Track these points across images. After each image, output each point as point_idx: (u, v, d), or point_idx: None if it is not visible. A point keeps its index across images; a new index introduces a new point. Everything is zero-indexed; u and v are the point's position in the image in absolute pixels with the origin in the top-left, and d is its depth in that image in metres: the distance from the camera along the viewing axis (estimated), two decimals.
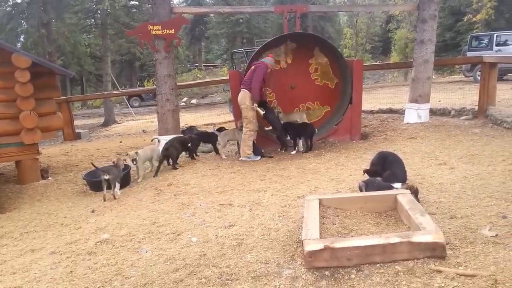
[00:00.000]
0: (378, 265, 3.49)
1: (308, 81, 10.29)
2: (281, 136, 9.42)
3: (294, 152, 9.23)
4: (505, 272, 3.22)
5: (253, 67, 8.95)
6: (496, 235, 3.90)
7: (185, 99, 33.36)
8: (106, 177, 7.25)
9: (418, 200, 4.72)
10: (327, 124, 10.25)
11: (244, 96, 8.83)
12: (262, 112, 9.02)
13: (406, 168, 5.77)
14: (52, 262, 4.62)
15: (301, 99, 10.37)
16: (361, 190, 5.25)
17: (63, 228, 5.99)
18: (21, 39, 28.27)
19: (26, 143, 8.79)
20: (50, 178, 9.28)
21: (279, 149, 9.52)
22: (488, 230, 4.00)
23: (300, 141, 9.30)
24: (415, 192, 4.83)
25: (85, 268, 4.31)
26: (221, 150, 9.45)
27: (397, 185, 5.06)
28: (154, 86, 11.07)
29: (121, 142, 13.91)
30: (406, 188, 4.87)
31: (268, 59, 9.13)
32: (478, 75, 16.86)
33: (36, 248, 5.27)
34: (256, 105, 8.87)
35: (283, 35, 9.88)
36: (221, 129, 9.86)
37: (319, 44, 10.16)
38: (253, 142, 9.04)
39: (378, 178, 5.44)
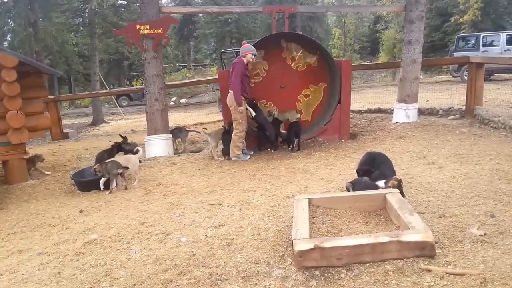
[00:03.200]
0: (368, 264, 3.51)
1: (292, 73, 10.24)
2: (271, 136, 9.41)
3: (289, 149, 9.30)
4: (494, 271, 3.25)
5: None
6: (485, 234, 3.93)
7: (174, 98, 33.27)
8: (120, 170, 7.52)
9: (402, 193, 4.73)
10: (316, 124, 10.25)
11: (231, 97, 8.83)
12: (253, 114, 9.03)
13: (394, 168, 5.80)
14: (40, 263, 4.57)
15: (296, 92, 10.33)
16: (348, 191, 5.26)
17: (51, 229, 5.92)
18: (8, 38, 28.02)
19: (13, 143, 8.69)
20: (38, 168, 9.21)
21: (268, 149, 9.52)
22: (476, 229, 4.04)
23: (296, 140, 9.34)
24: (398, 184, 4.86)
25: (73, 269, 4.27)
26: (214, 151, 9.44)
27: (380, 183, 5.07)
28: (143, 86, 11.02)
29: (110, 141, 13.78)
30: (390, 186, 4.89)
31: (243, 48, 9.02)
32: (465, 75, 16.98)
33: (24, 249, 5.20)
34: (247, 107, 8.90)
35: (256, 42, 9.83)
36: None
37: (283, 37, 10.14)
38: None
39: (365, 178, 5.45)
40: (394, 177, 5.14)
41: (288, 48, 10.09)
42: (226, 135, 9.28)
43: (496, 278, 3.15)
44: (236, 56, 18.81)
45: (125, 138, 9.64)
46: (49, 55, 30.91)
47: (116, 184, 7.70)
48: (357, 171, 5.83)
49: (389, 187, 4.87)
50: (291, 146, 9.30)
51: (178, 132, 10.73)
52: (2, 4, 25.81)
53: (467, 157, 7.02)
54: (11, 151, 8.82)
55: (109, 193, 7.52)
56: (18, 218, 6.70)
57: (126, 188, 7.65)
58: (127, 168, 7.83)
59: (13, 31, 25.94)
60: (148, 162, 9.24)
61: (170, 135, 10.34)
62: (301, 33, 10.76)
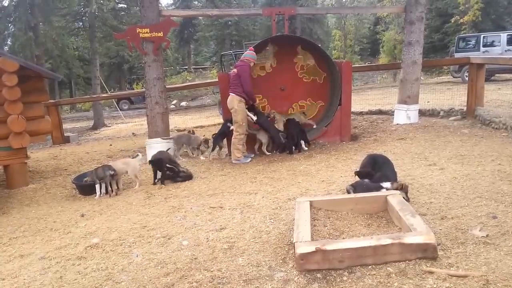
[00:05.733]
0: (370, 266, 3.49)
1: (296, 80, 10.26)
2: (275, 138, 9.39)
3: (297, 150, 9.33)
4: (497, 272, 3.23)
5: (235, 70, 8.95)
6: (487, 235, 3.91)
7: (174, 101, 33.31)
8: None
9: (408, 199, 4.73)
10: (317, 126, 10.24)
11: (232, 100, 8.84)
12: (254, 118, 9.03)
13: (396, 169, 5.78)
14: (42, 268, 4.56)
15: (293, 99, 10.33)
16: (349, 194, 5.25)
17: (53, 233, 5.92)
18: (9, 42, 28.11)
19: (14, 147, 8.72)
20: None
21: (274, 151, 9.52)
22: (479, 231, 4.01)
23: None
24: (405, 189, 4.86)
25: (75, 273, 4.26)
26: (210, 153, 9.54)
27: (386, 184, 5.05)
28: (143, 89, 11.02)
29: (111, 145, 13.85)
30: (396, 188, 4.88)
31: (248, 54, 9.12)
32: (466, 76, 16.96)
33: (25, 254, 5.21)
34: (247, 112, 8.93)
35: (265, 40, 9.90)
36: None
37: (302, 43, 10.18)
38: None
39: (366, 180, 5.43)
40: (402, 183, 5.12)
41: (301, 54, 10.14)
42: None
43: (499, 280, 3.13)
44: (236, 58, 18.85)
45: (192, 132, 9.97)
46: (50, 59, 31.01)
47: (111, 187, 7.73)
48: (357, 173, 5.81)
49: (396, 189, 4.86)
50: (296, 148, 9.34)
51: (187, 139, 10.30)
52: (3, 9, 25.94)
53: (468, 158, 7.00)
54: (12, 156, 8.85)
55: (109, 196, 7.54)
56: (19, 223, 6.71)
57: (116, 194, 7.69)
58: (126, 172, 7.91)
59: (14, 35, 26.05)
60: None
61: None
62: (319, 45, 10.68)
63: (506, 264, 3.36)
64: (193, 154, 10.04)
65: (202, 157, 9.76)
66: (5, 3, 26.44)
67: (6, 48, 26.94)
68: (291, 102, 10.32)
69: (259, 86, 9.98)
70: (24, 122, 8.64)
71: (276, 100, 10.24)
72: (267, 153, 9.44)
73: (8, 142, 8.66)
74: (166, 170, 7.91)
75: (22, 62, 8.80)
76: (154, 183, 7.91)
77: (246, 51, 9.52)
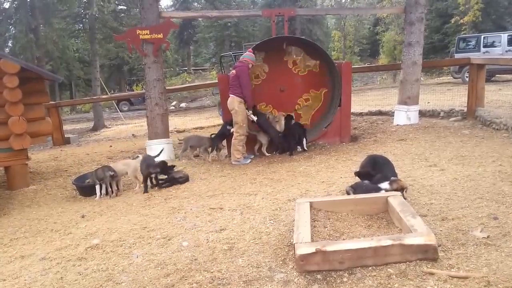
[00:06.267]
0: (370, 268, 3.49)
1: (292, 76, 10.22)
2: (275, 139, 9.39)
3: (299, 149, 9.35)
4: (498, 274, 3.22)
5: (234, 71, 8.95)
6: (488, 236, 3.90)
7: (174, 103, 33.35)
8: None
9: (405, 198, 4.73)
10: (317, 127, 10.23)
11: (232, 101, 8.85)
12: (254, 119, 9.03)
13: (396, 170, 5.77)
14: (42, 269, 4.57)
15: (296, 96, 10.29)
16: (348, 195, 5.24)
17: (53, 234, 5.93)
18: (9, 44, 28.16)
19: (15, 148, 8.73)
20: None
21: (274, 152, 9.52)
22: (479, 232, 4.01)
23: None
24: (404, 188, 4.86)
25: (75, 274, 4.26)
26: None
27: (385, 185, 5.04)
28: (143, 90, 11.03)
29: (111, 146, 13.85)
30: (396, 189, 4.87)
31: (247, 55, 9.13)
32: (466, 77, 16.94)
33: (26, 254, 5.21)
34: (251, 113, 8.93)
35: (257, 45, 9.88)
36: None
37: (286, 41, 10.14)
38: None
39: (366, 182, 5.42)
40: (402, 183, 5.10)
41: (289, 51, 10.08)
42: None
43: (500, 281, 3.12)
44: (235, 60, 18.85)
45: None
46: (50, 61, 31.09)
47: (111, 188, 7.73)
48: (356, 174, 5.80)
49: (395, 189, 4.85)
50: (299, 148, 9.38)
51: (197, 140, 10.11)
52: (4, 11, 26.03)
53: (469, 159, 6.99)
54: (13, 157, 8.86)
55: (110, 197, 7.56)
56: (20, 224, 6.72)
57: (116, 195, 7.70)
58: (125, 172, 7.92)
59: (14, 37, 26.12)
60: None
61: (171, 139, 10.33)
62: (303, 37, 10.66)
63: (507, 265, 3.36)
64: (202, 155, 10.01)
65: (209, 159, 9.73)
66: (6, 6, 26.51)
67: (7, 50, 26.99)
68: (294, 100, 10.28)
69: (259, 94, 9.95)
70: (25, 123, 8.65)
71: (279, 102, 10.20)
72: (267, 154, 9.44)
73: (9, 143, 8.67)
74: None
75: (23, 64, 8.82)
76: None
77: (245, 52, 9.53)
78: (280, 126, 9.54)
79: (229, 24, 41.41)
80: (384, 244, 3.49)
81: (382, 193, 4.78)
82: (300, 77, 10.24)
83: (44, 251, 5.18)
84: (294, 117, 9.77)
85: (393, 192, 4.74)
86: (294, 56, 10.11)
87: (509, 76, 20.98)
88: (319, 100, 10.37)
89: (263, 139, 9.46)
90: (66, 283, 4.10)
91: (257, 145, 9.63)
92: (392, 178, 5.17)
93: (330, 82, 10.20)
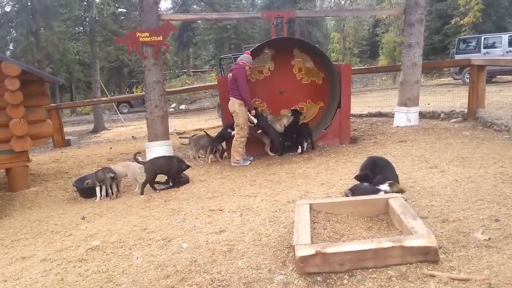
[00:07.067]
0: (370, 270, 3.47)
1: (295, 82, 10.26)
2: (275, 141, 9.39)
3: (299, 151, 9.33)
4: (499, 276, 3.21)
5: (231, 74, 8.94)
6: (489, 238, 3.88)
7: (174, 105, 33.37)
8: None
9: None
10: (316, 128, 10.23)
11: (232, 104, 8.86)
12: (255, 121, 9.03)
13: (397, 172, 5.76)
14: (43, 270, 4.57)
15: (292, 102, 10.29)
16: None
17: (54, 235, 5.93)
18: (10, 47, 28.23)
19: (16, 150, 8.76)
20: None
21: (272, 153, 9.51)
22: (481, 234, 3.99)
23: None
24: (402, 191, 4.86)
25: (76, 276, 4.26)
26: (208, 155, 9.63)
27: (384, 186, 5.03)
28: (143, 93, 11.02)
29: (111, 148, 13.85)
30: (396, 191, 4.86)
31: (244, 57, 9.14)
32: (467, 78, 16.95)
33: (27, 256, 5.21)
34: (253, 114, 8.94)
35: (262, 44, 9.89)
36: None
37: (299, 45, 10.20)
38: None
39: (365, 184, 5.41)
40: (401, 187, 5.10)
41: (299, 56, 10.12)
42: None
43: (502, 284, 3.10)
44: (234, 62, 18.87)
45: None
46: (51, 64, 31.15)
47: (111, 189, 7.73)
48: (356, 178, 5.77)
49: (395, 191, 4.84)
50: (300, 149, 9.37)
51: (206, 141, 10.08)
52: (5, 14, 26.14)
53: (470, 160, 6.97)
54: (14, 159, 8.90)
55: (110, 199, 7.56)
56: (21, 225, 6.73)
57: (116, 197, 7.71)
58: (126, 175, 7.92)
59: (15, 40, 26.20)
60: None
61: (171, 141, 10.31)
62: (317, 46, 10.67)
63: (509, 267, 3.34)
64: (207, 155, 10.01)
65: (220, 159, 9.73)
66: (7, 9, 26.64)
67: (8, 52, 27.06)
68: (290, 105, 10.28)
69: (258, 90, 10.01)
70: (26, 125, 8.68)
71: (275, 103, 10.24)
72: (271, 154, 9.50)
73: (10, 145, 8.70)
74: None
75: (24, 67, 8.84)
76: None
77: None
78: (281, 125, 9.56)
79: (228, 26, 41.48)
80: (384, 246, 3.48)
81: (382, 195, 4.78)
82: (302, 85, 10.29)
83: (45, 253, 5.18)
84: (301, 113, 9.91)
85: (394, 194, 4.73)
86: (302, 63, 10.15)
87: (510, 77, 20.95)
88: (313, 112, 10.50)
89: (266, 139, 9.50)
90: (67, 284, 4.10)
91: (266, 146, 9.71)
92: (388, 181, 5.16)
93: (329, 99, 10.29)
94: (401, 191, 4.94)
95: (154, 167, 7.74)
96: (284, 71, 10.17)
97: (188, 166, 8.03)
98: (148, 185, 7.74)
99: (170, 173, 7.85)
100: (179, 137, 12.02)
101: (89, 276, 4.21)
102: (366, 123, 12.24)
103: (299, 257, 3.52)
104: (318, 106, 10.42)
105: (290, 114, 9.73)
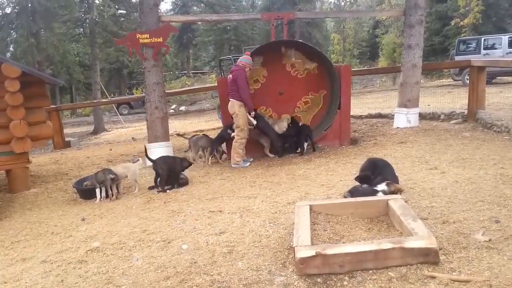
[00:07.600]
0: (370, 271, 3.47)
1: (291, 79, 10.23)
2: (275, 142, 9.39)
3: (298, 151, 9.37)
4: (500, 277, 3.20)
5: (230, 76, 8.94)
6: (490, 239, 3.88)
7: (174, 106, 33.35)
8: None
9: None
10: (316, 130, 10.21)
11: (232, 105, 8.87)
12: (254, 122, 9.03)
13: (396, 173, 5.76)
14: (43, 271, 4.56)
15: (295, 99, 10.30)
16: None
17: (54, 237, 5.92)
18: (11, 48, 28.25)
19: (16, 152, 8.76)
20: None
21: (272, 155, 9.51)
22: (481, 235, 3.98)
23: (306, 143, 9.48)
24: (400, 192, 4.85)
25: (76, 277, 4.25)
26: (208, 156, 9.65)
27: (382, 186, 5.02)
28: (143, 94, 11.02)
29: (111, 149, 13.85)
30: (394, 190, 4.86)
31: (244, 58, 9.13)
32: (467, 79, 16.93)
33: (27, 257, 5.20)
34: (252, 116, 8.94)
35: (255, 49, 9.86)
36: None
37: (283, 44, 10.16)
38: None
39: (365, 185, 5.40)
40: (400, 186, 5.09)
41: (287, 54, 10.07)
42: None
43: (502, 285, 3.10)
44: (234, 63, 18.86)
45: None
46: (51, 65, 31.18)
47: (111, 191, 7.73)
48: (356, 179, 5.76)
49: (392, 192, 4.84)
50: (300, 149, 9.39)
51: (206, 142, 10.01)
52: (5, 16, 26.19)
53: (470, 161, 6.97)
54: (14, 160, 8.89)
55: (110, 200, 7.56)
56: (21, 227, 6.72)
57: (116, 198, 7.69)
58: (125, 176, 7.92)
59: (16, 42, 26.24)
60: (149, 170, 9.22)
61: (170, 142, 10.31)
62: (300, 40, 10.67)
63: (509, 269, 3.33)
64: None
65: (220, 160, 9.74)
66: (8, 10, 26.67)
67: (8, 54, 27.08)
68: (295, 102, 10.30)
69: (259, 98, 9.95)
70: (26, 127, 8.68)
71: (279, 105, 10.22)
72: (270, 156, 9.51)
73: (10, 147, 8.70)
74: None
75: (24, 68, 8.84)
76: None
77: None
78: (280, 127, 9.56)
79: (228, 27, 41.56)
80: (384, 247, 3.48)
81: (382, 196, 4.77)
82: (299, 80, 10.25)
83: (45, 254, 5.17)
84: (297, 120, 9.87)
85: (393, 195, 4.73)
86: (293, 59, 10.12)
87: (510, 78, 20.93)
88: (319, 102, 10.39)
89: (265, 141, 9.49)
90: (67, 285, 4.10)
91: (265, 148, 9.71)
92: (386, 181, 5.16)
93: (329, 83, 10.21)
94: (399, 190, 4.93)
95: (166, 164, 7.80)
96: (279, 72, 10.14)
97: (190, 163, 8.08)
98: (147, 187, 7.75)
99: (175, 171, 7.89)
100: (176, 135, 11.96)
101: (89, 277, 4.20)
102: (366, 124, 12.24)
103: (299, 258, 3.52)
104: (322, 94, 10.36)
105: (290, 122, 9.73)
